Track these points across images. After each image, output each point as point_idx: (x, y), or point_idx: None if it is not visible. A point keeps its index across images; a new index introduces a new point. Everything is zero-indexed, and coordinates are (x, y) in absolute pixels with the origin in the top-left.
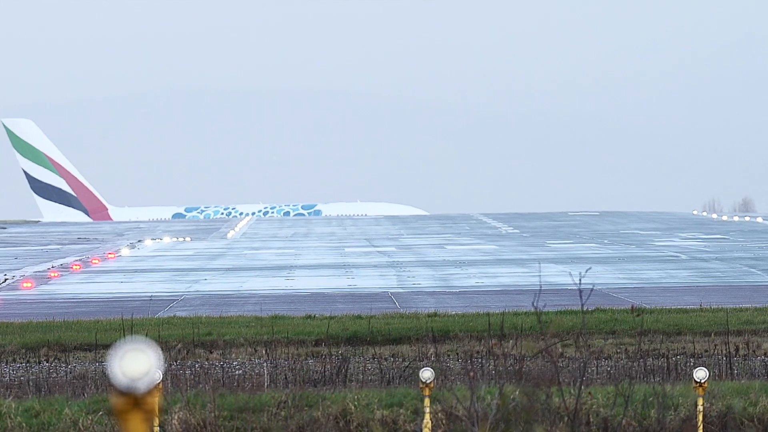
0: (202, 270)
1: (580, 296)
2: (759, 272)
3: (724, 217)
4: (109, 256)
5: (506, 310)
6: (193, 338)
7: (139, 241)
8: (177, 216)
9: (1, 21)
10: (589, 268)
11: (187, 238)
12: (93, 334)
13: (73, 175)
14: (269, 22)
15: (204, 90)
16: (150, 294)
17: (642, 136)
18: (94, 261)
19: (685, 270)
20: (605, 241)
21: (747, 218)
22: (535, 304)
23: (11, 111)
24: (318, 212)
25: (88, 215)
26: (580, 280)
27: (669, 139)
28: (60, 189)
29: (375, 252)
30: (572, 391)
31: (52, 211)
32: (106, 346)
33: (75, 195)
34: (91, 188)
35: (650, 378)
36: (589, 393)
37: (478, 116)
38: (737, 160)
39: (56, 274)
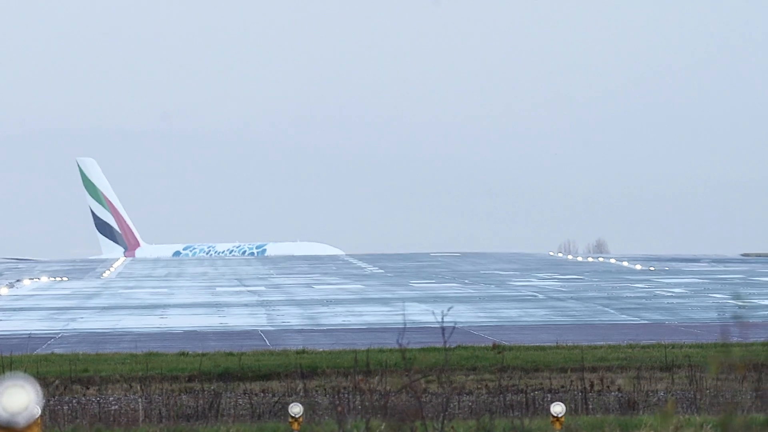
0: (79, 309)
1: (443, 334)
2: (612, 311)
3: (579, 258)
4: None
5: (372, 347)
6: (70, 375)
7: (18, 280)
8: (176, 254)
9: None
10: (451, 307)
11: (64, 278)
12: None
13: (118, 211)
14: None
15: (202, 132)
16: (28, 332)
17: (500, 179)
18: None
19: (543, 309)
20: (466, 281)
21: (601, 259)
22: (399, 342)
23: (77, 144)
24: (264, 251)
25: (125, 252)
26: (442, 318)
27: (526, 183)
28: (109, 224)
29: (245, 291)
30: (435, 425)
31: (109, 248)
32: None
33: (119, 231)
34: (131, 225)
35: (510, 412)
36: (452, 427)
37: (353, 158)
38: (591, 202)
39: None
